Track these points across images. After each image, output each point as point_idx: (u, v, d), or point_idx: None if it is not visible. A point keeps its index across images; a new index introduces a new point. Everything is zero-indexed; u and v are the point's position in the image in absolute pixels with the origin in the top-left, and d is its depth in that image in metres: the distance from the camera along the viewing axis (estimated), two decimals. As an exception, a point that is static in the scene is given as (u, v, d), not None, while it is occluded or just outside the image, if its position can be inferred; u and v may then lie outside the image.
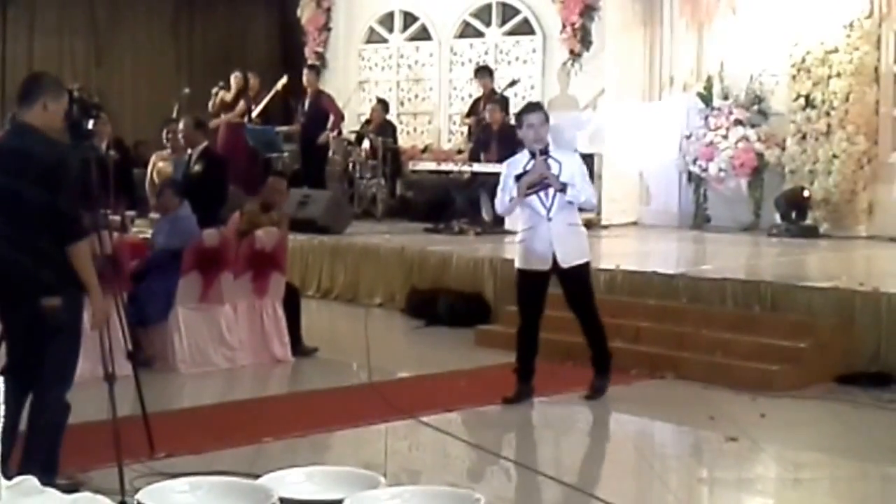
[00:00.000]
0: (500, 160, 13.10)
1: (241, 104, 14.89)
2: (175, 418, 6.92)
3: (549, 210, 7.27)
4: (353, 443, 6.65)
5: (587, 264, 7.53)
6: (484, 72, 14.39)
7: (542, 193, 7.27)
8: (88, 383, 7.23)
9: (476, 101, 14.43)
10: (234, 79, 15.02)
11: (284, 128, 15.28)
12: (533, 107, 7.72)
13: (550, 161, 7.30)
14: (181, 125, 10.61)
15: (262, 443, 6.31)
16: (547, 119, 7.45)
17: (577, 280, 7.46)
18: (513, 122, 13.80)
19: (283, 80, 15.29)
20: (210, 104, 14.94)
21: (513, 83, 14.34)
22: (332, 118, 14.83)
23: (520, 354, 7.54)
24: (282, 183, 9.55)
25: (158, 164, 11.28)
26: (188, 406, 7.59)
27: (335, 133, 14.92)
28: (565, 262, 7.31)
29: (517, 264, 7.54)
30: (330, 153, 14.82)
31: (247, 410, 7.32)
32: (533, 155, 7.32)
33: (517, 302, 7.64)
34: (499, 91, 14.13)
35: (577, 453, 6.88)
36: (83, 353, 7.48)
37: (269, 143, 14.57)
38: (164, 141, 11.41)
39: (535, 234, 7.32)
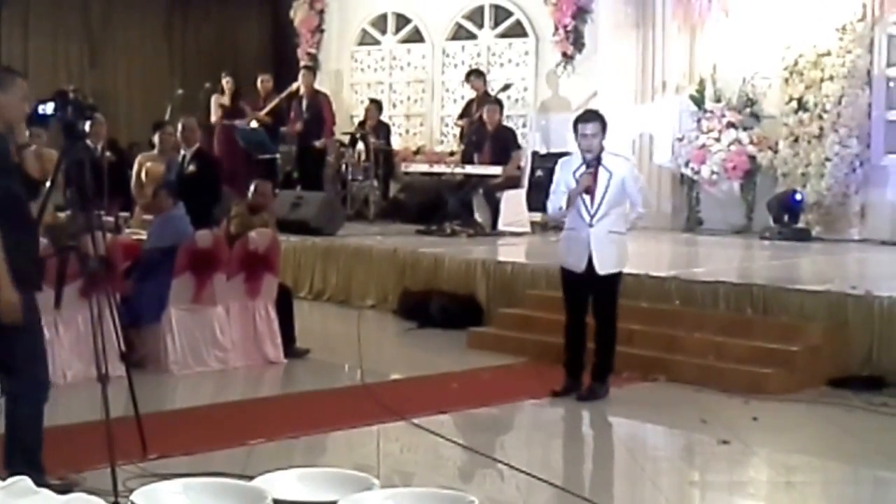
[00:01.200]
0: (493, 162, 13.20)
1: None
2: (168, 419, 6.92)
3: (592, 217, 7.39)
4: (345, 444, 6.66)
5: (620, 273, 7.62)
6: (475, 74, 14.41)
7: (587, 199, 7.36)
8: (81, 384, 7.28)
9: (469, 103, 14.44)
10: (226, 83, 14.99)
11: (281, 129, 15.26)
12: (588, 115, 7.63)
13: (601, 170, 7.37)
14: (183, 125, 10.60)
15: (255, 444, 6.30)
16: (604, 128, 7.43)
17: (608, 287, 7.58)
18: (508, 124, 13.93)
19: (299, 82, 15.28)
20: (211, 108, 14.90)
21: (506, 87, 14.36)
22: (326, 124, 14.83)
23: (566, 348, 7.72)
24: (266, 186, 9.58)
25: (146, 165, 11.26)
26: (181, 407, 7.58)
27: (330, 136, 14.96)
28: (601, 269, 7.44)
29: (560, 261, 7.71)
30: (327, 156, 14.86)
31: (239, 412, 7.32)
32: (587, 164, 7.39)
33: (563, 297, 7.78)
34: (492, 93, 14.15)
35: (568, 455, 6.89)
36: (77, 355, 7.56)
37: (261, 144, 14.56)
38: (157, 142, 11.39)
39: (575, 236, 7.47)
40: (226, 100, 14.92)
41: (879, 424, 7.09)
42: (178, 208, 8.63)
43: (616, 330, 7.69)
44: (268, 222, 9.13)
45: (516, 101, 14.71)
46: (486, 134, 13.41)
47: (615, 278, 7.58)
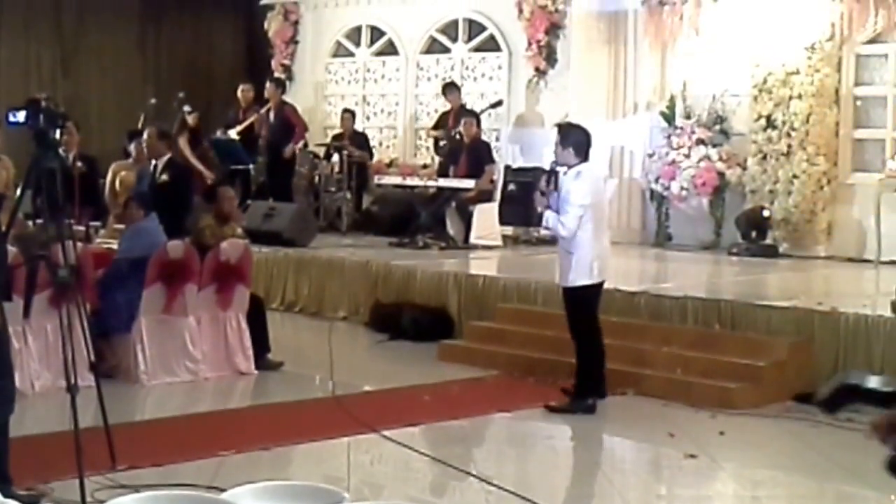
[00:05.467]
0: (469, 174, 13.25)
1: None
2: (137, 430, 6.91)
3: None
4: (315, 457, 6.67)
5: (573, 290, 7.72)
6: (452, 87, 14.47)
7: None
8: (50, 394, 7.27)
9: (444, 115, 14.47)
10: (193, 118, 14.84)
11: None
12: (558, 127, 8.08)
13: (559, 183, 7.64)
14: (145, 136, 10.59)
15: (225, 456, 6.30)
16: (561, 140, 7.62)
17: (567, 301, 7.79)
18: (484, 137, 14.00)
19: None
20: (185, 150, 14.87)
21: (496, 104, 14.37)
22: (296, 130, 14.85)
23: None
24: (229, 190, 9.60)
25: (120, 174, 11.26)
26: (150, 418, 7.57)
27: (300, 145, 14.95)
28: (558, 281, 7.84)
29: None
30: (296, 166, 14.86)
31: (209, 423, 7.32)
32: (547, 175, 7.76)
33: None
34: (471, 107, 14.19)
35: (538, 468, 6.92)
36: (46, 364, 7.54)
37: (233, 154, 14.54)
38: (132, 151, 11.39)
39: None
40: (187, 135, 14.82)
41: (844, 440, 7.13)
42: (150, 219, 8.60)
43: (587, 347, 7.74)
44: (236, 232, 9.13)
45: (489, 115, 14.75)
46: (463, 146, 13.47)
47: (567, 292, 7.72)
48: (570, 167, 7.54)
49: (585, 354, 7.73)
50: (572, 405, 7.66)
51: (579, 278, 7.63)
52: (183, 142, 14.65)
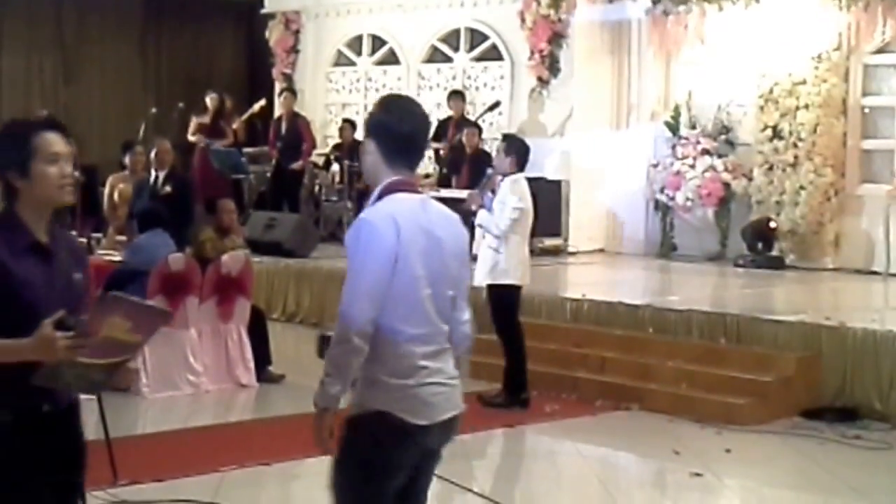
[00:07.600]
0: (470, 185, 13.15)
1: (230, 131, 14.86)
2: (138, 444, 6.87)
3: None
4: (318, 471, 6.55)
5: (498, 287, 7.92)
6: (457, 95, 14.39)
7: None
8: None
9: (443, 123, 14.40)
10: (210, 100, 14.91)
11: (251, 149, 15.21)
12: (503, 136, 8.45)
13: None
14: (157, 147, 10.54)
15: (226, 470, 6.25)
16: (505, 147, 8.05)
17: (489, 298, 7.95)
18: (486, 147, 13.93)
19: (262, 102, 15.23)
20: (190, 127, 14.84)
21: (494, 106, 14.27)
22: (305, 146, 14.83)
23: None
24: (230, 203, 9.56)
25: (119, 187, 11.22)
26: (152, 432, 7.52)
27: (308, 159, 14.94)
28: (476, 280, 7.78)
29: None
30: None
31: (211, 437, 7.28)
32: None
33: None
34: (473, 117, 14.12)
35: (540, 484, 6.85)
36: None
37: (234, 165, 14.49)
38: (127, 163, 11.35)
39: None
40: (206, 119, 14.84)
41: (852, 458, 7.08)
42: (153, 235, 8.49)
43: (511, 347, 7.98)
44: (237, 244, 9.06)
45: (491, 124, 14.68)
46: (465, 157, 13.41)
47: (496, 290, 7.90)
48: (506, 175, 7.85)
49: (509, 354, 7.94)
50: (506, 399, 7.90)
51: (503, 277, 7.87)
52: (195, 121, 14.70)
